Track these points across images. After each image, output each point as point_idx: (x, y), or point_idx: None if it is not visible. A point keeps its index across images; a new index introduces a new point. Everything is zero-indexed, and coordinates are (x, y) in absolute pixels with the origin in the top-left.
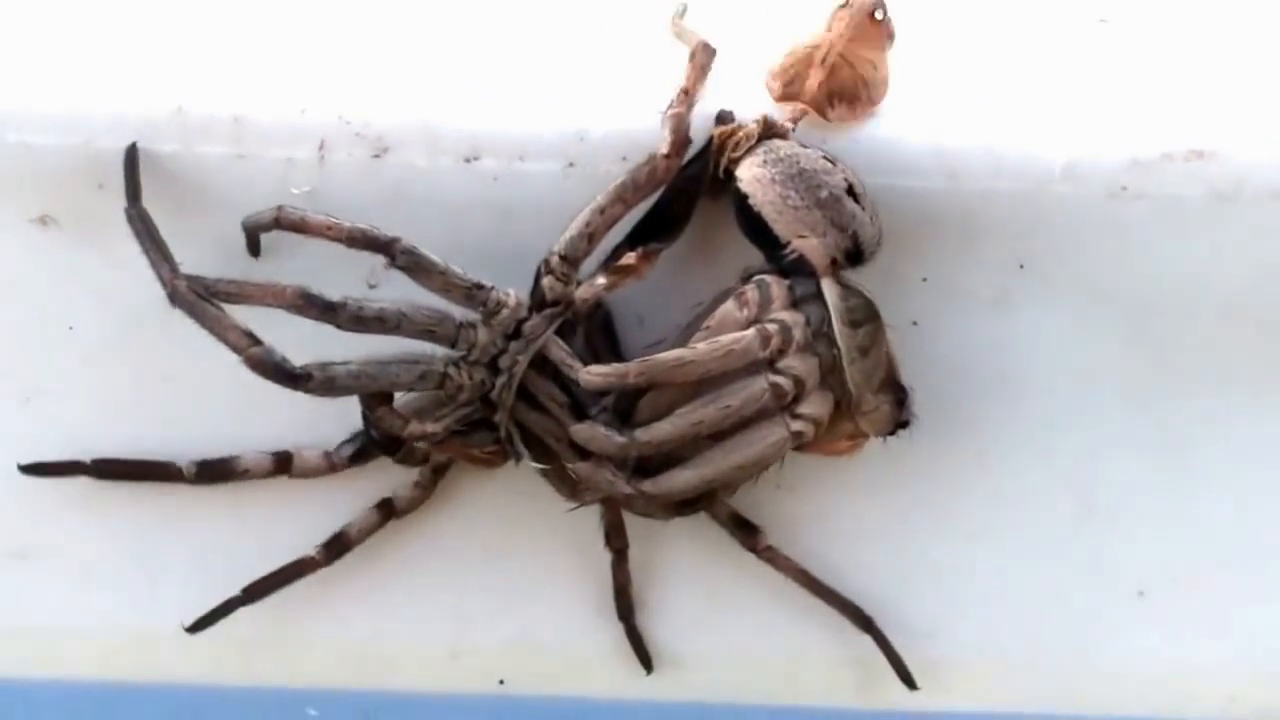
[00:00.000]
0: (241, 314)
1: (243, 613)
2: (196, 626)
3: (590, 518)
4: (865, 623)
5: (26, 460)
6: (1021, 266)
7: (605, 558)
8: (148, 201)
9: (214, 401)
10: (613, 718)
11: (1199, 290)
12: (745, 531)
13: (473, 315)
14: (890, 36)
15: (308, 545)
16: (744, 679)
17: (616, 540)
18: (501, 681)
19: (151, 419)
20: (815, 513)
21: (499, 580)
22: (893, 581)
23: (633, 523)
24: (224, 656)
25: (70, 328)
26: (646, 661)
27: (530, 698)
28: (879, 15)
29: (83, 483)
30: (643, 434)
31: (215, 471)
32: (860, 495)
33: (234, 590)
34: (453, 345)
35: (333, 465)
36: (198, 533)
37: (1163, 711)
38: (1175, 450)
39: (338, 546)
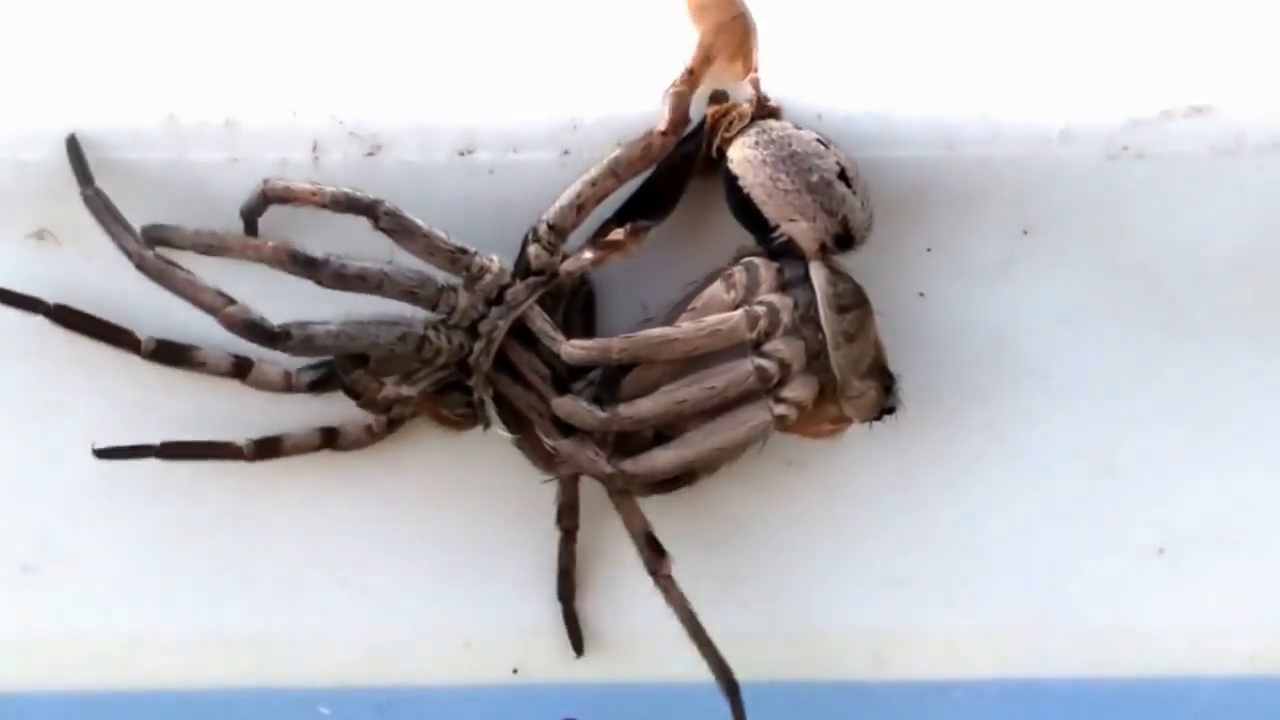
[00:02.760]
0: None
1: (252, 614)
2: (105, 453)
3: (600, 505)
4: (731, 687)
5: (34, 472)
6: (1025, 232)
7: (615, 544)
8: (144, 209)
9: (219, 407)
10: (629, 703)
11: (1205, 246)
12: (654, 552)
13: (455, 279)
14: None
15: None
16: (758, 658)
17: (568, 520)
18: (515, 670)
19: (157, 426)
20: (825, 487)
21: (509, 569)
22: (908, 552)
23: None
24: (234, 660)
25: (72, 341)
26: (578, 645)
27: (544, 686)
28: None
29: (90, 496)
30: (625, 409)
31: (173, 353)
32: (871, 468)
33: (241, 591)
34: (433, 308)
35: (290, 386)
36: (208, 541)
37: (1185, 670)
38: (1189, 407)
39: (268, 449)
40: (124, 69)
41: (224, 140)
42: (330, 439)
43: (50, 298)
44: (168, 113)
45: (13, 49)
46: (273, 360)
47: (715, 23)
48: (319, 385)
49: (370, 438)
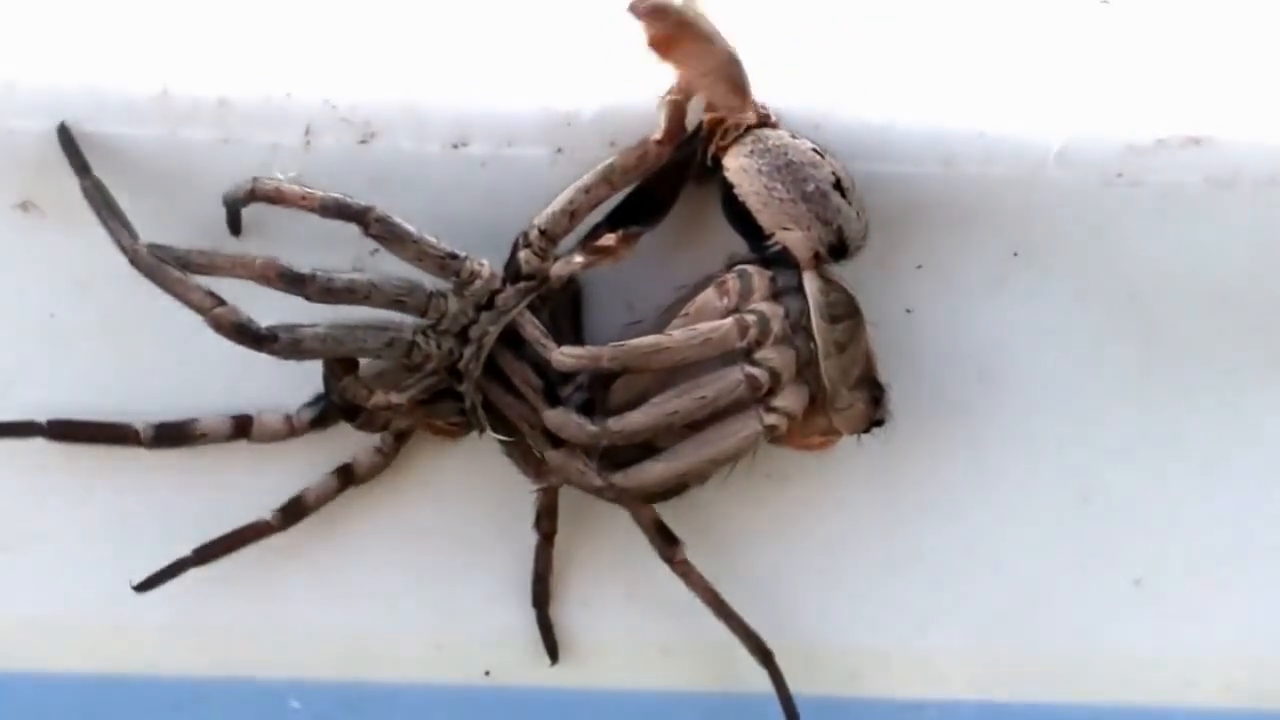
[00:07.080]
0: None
1: (225, 604)
2: (145, 585)
3: (578, 511)
4: (764, 656)
5: (6, 450)
6: (1016, 254)
7: (591, 548)
8: (133, 186)
9: (197, 388)
10: (599, 708)
11: (1196, 277)
12: (665, 541)
13: (444, 284)
14: None
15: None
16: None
17: (547, 524)
18: (487, 672)
19: (134, 407)
20: (805, 502)
21: (485, 571)
22: (885, 569)
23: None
24: (206, 649)
25: (52, 315)
26: (553, 652)
27: (516, 688)
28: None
29: (63, 474)
30: (615, 424)
31: (173, 434)
32: (851, 484)
33: (215, 580)
34: (423, 314)
35: (293, 429)
36: (181, 526)
37: (1159, 700)
38: (1172, 437)
39: (294, 511)
40: (118, 41)
41: (216, 119)
42: (348, 476)
43: (32, 270)
44: (160, 88)
45: (3, 18)
46: (271, 409)
47: (699, 72)
48: (320, 420)
49: (384, 459)
